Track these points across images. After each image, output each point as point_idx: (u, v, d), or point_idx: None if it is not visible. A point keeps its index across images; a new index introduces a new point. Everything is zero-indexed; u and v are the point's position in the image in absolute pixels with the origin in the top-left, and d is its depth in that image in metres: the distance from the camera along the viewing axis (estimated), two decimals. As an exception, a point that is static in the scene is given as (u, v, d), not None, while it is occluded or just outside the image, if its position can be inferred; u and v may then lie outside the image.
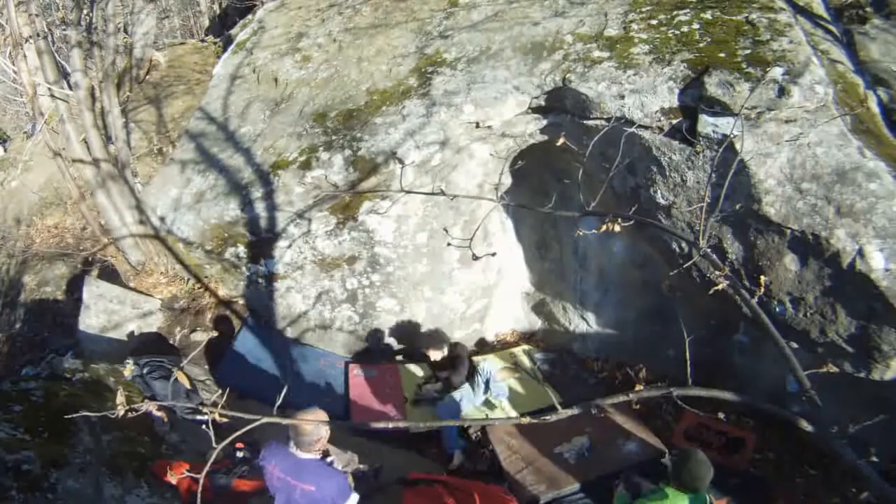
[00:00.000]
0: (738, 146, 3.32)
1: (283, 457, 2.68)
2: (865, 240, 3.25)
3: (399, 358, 5.26)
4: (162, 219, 5.20)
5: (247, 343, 4.97)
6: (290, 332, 5.25)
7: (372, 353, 5.20)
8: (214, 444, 1.70)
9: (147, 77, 8.39)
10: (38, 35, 4.79)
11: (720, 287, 2.29)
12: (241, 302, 5.41)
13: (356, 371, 4.94)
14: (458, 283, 5.17)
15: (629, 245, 4.79)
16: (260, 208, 4.77)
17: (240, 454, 3.70)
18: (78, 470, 3.05)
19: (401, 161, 4.41)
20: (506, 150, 4.70)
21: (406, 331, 5.20)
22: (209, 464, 1.78)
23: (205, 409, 2.01)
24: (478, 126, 4.46)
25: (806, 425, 1.72)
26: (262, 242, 4.93)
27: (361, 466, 3.53)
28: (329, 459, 2.86)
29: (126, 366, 4.26)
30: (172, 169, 5.41)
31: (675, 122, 3.78)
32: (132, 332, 5.16)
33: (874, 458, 3.49)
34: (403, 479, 3.71)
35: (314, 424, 2.59)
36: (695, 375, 1.84)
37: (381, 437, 4.44)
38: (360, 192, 4.54)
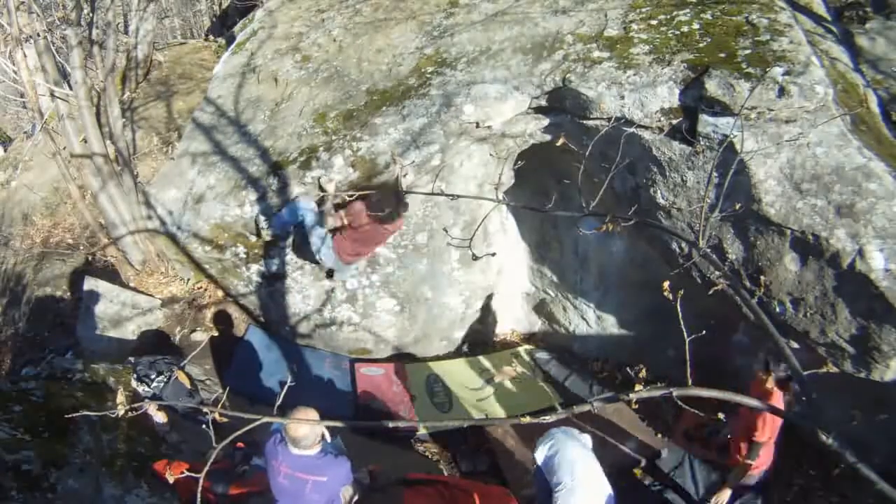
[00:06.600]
0: (738, 146, 3.32)
1: (288, 454, 2.75)
2: (865, 240, 3.26)
3: (401, 357, 5.26)
4: (162, 219, 5.19)
5: (254, 346, 4.96)
6: (292, 333, 5.26)
7: (373, 353, 5.21)
8: (214, 444, 1.70)
9: (148, 77, 8.39)
10: (38, 35, 4.78)
11: (720, 287, 2.29)
12: (241, 302, 5.41)
13: (362, 370, 4.95)
14: (458, 283, 5.17)
15: (629, 245, 4.79)
16: (260, 208, 4.77)
17: (240, 454, 3.70)
18: (78, 470, 3.05)
19: (401, 161, 4.42)
20: (506, 150, 4.70)
21: (406, 330, 5.20)
22: (209, 463, 1.78)
23: (205, 409, 2.01)
24: (478, 126, 4.46)
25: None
26: (262, 242, 4.93)
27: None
28: (329, 444, 3.00)
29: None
30: (172, 169, 5.41)
31: (675, 122, 3.78)
32: (132, 332, 5.16)
33: (874, 459, 3.50)
34: (403, 479, 3.71)
35: (310, 427, 2.65)
36: (695, 375, 1.84)
37: (383, 437, 4.45)
38: (361, 191, 4.53)
